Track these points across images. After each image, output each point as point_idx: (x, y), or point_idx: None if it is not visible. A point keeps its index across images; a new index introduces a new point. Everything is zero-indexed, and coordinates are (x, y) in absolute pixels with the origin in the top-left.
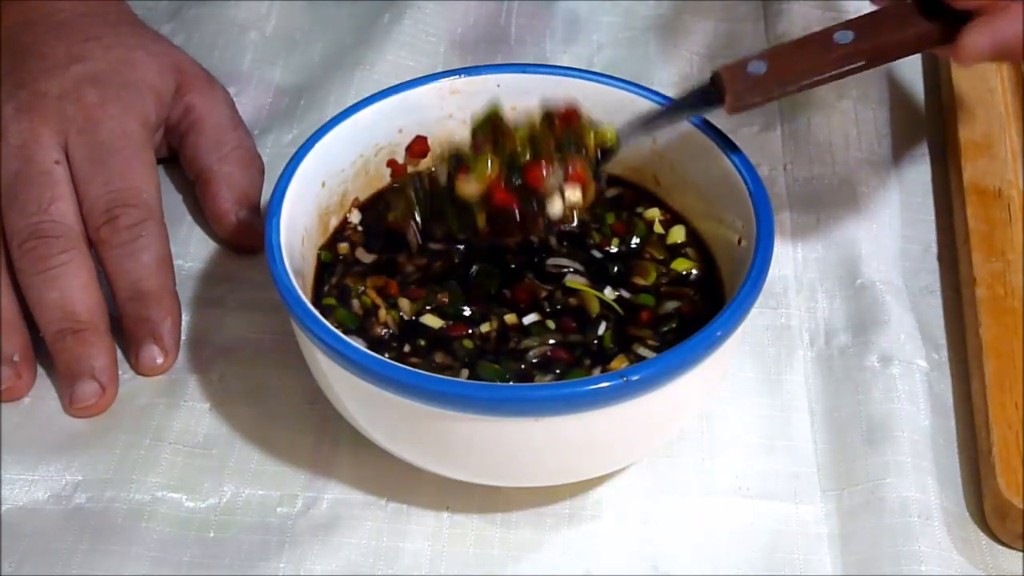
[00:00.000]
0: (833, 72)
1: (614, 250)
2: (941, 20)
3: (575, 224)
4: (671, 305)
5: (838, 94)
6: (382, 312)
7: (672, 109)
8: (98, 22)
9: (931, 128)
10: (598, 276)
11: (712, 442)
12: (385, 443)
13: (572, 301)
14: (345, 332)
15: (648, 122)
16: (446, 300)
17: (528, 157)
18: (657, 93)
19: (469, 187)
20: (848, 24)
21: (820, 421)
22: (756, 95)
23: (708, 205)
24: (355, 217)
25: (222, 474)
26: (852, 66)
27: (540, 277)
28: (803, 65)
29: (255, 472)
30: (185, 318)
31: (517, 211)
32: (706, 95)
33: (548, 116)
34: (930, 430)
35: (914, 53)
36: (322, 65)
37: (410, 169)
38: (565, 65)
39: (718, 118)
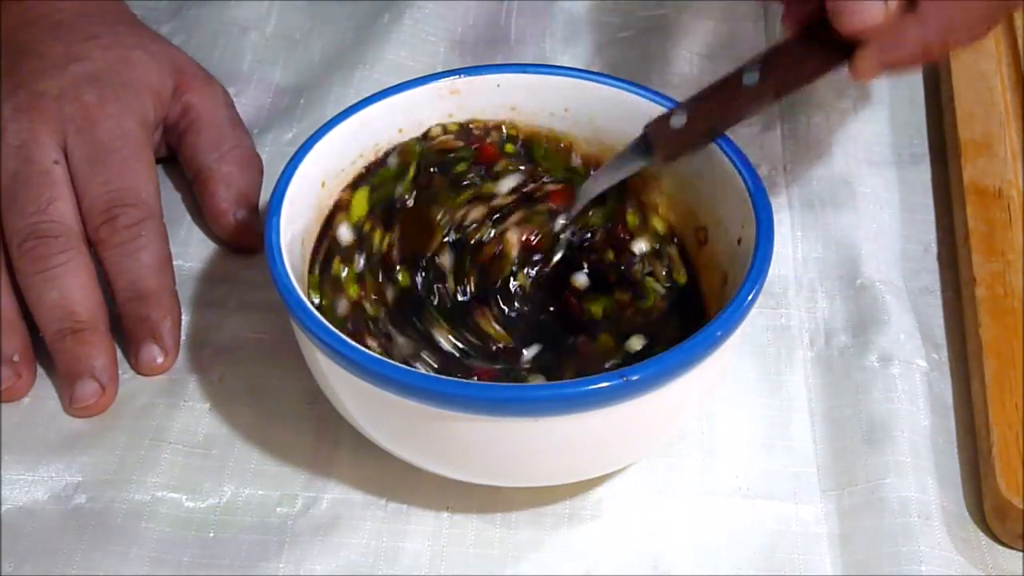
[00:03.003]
0: (745, 114)
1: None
2: (835, 50)
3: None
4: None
5: (838, 94)
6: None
7: (612, 165)
8: (96, 22)
9: (931, 128)
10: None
11: (712, 442)
12: (385, 443)
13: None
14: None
15: (596, 185)
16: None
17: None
18: (657, 93)
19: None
20: (754, 62)
21: (820, 421)
22: (682, 148)
23: (708, 205)
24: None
25: (222, 474)
26: (762, 104)
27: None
28: (717, 114)
29: (255, 472)
30: (185, 318)
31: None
32: (641, 149)
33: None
34: (930, 430)
35: (816, 79)
36: (322, 65)
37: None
38: (565, 65)
39: None
